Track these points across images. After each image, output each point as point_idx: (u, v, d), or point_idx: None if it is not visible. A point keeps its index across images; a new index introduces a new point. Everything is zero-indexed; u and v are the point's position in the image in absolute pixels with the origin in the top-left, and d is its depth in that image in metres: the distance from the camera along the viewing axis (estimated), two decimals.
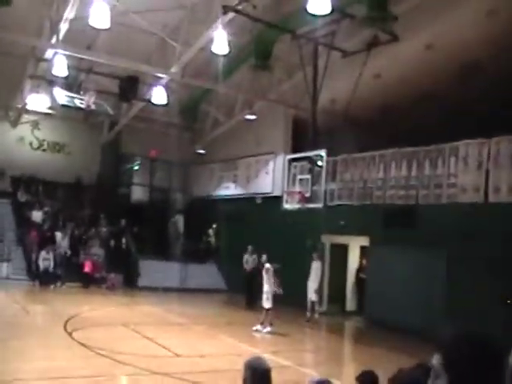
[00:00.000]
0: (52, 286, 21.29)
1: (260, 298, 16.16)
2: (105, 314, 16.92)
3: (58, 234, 23.75)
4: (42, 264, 21.61)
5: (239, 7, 14.59)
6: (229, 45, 16.30)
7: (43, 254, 21.81)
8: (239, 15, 15.11)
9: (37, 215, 24.58)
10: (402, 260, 17.11)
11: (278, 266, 16.17)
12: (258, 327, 15.51)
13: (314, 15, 13.32)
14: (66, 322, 14.22)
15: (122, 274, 23.68)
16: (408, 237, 16.67)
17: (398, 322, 16.13)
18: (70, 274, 22.21)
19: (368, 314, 18.70)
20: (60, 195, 26.81)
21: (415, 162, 17.17)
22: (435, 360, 1.99)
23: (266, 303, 15.61)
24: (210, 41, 16.42)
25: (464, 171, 15.58)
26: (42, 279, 21.45)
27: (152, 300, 20.60)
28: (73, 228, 24.80)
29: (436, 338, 1.99)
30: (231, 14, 15.03)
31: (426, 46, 16.39)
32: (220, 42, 16.13)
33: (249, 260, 20.84)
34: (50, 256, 21.94)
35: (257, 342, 14.59)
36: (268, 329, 15.51)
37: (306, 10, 12.91)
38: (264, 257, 16.10)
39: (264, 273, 15.80)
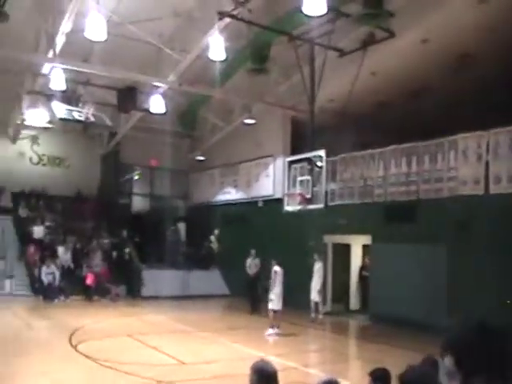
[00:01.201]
0: (56, 300, 21.26)
1: (265, 301, 16.20)
2: (109, 326, 16.96)
3: (60, 248, 23.82)
4: (45, 279, 21.64)
5: (235, 12, 14.69)
6: (225, 50, 16.39)
7: (45, 268, 21.86)
8: (235, 20, 15.22)
9: (38, 230, 24.59)
10: (404, 256, 17.24)
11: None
12: (270, 331, 15.57)
13: (309, 16, 13.44)
14: (71, 335, 14.26)
15: (125, 284, 23.78)
16: (410, 233, 16.80)
17: (402, 317, 16.26)
18: (74, 287, 22.26)
19: (372, 312, 18.82)
20: (61, 209, 26.89)
21: (415, 157, 17.28)
22: (447, 361, 1.99)
23: (275, 305, 15.67)
24: (207, 47, 16.47)
25: (464, 164, 15.72)
26: (46, 294, 21.45)
27: (156, 309, 20.60)
28: (75, 241, 24.86)
29: (445, 337, 2.01)
30: (227, 20, 15.15)
31: (422, 40, 16.52)
32: (216, 47, 16.16)
33: (251, 264, 20.85)
34: (53, 270, 21.97)
35: (262, 345, 14.57)
36: (277, 330, 15.59)
37: (301, 10, 13.02)
38: (273, 260, 16.16)
39: (273, 275, 15.88)
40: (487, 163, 15.08)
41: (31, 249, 23.20)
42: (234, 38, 17.06)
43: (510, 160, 14.45)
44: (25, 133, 25.94)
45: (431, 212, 16.45)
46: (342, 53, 17.05)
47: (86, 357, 11.80)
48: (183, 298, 23.10)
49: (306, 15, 13.40)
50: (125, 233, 26.13)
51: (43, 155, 27.36)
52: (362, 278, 21.24)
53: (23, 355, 11.90)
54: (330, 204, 18.84)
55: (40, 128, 25.15)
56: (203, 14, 16.29)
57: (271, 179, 23.51)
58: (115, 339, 14.53)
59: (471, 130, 15.44)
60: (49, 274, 21.77)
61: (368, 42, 16.31)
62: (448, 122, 16.06)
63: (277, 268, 15.83)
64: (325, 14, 13.44)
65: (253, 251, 20.79)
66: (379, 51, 16.78)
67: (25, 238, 24.20)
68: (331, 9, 13.54)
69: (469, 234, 15.06)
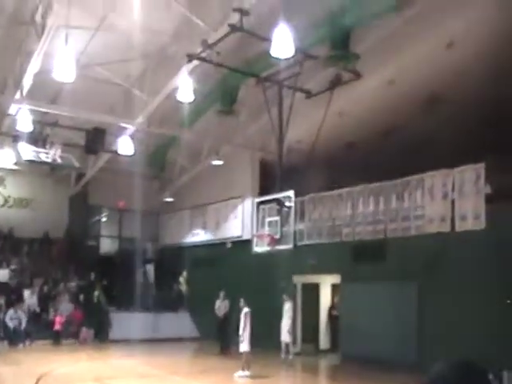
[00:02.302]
0: (21, 345, 20.80)
1: (234, 343, 16.00)
2: (77, 370, 16.55)
3: (26, 292, 23.32)
4: (10, 323, 21.10)
5: (203, 54, 14.86)
6: (194, 92, 16.51)
7: (11, 313, 21.34)
8: (203, 62, 15.39)
9: (3, 274, 24.08)
10: (373, 295, 17.31)
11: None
12: (240, 373, 15.35)
13: (277, 58, 13.65)
14: (38, 381, 13.85)
15: (93, 327, 23.34)
16: (378, 271, 16.89)
17: (372, 355, 16.27)
18: (40, 331, 21.78)
19: (342, 351, 18.77)
20: (27, 251, 26.41)
21: (382, 196, 17.43)
22: None
23: (245, 347, 15.51)
24: (175, 89, 16.61)
25: (430, 202, 15.90)
26: (11, 338, 20.92)
27: (125, 352, 20.30)
28: (41, 284, 24.39)
29: (428, 375, 2.00)
30: (195, 62, 15.30)
31: (389, 82, 16.89)
32: (185, 89, 16.26)
33: (221, 306, 20.67)
34: (19, 315, 21.46)
35: None
36: (246, 372, 15.38)
37: (269, 53, 13.22)
38: (242, 301, 16.03)
39: (243, 317, 15.72)
40: (453, 201, 15.28)
41: None
42: (203, 79, 17.23)
43: (474, 197, 14.67)
44: None
45: (399, 250, 16.56)
46: (309, 94, 17.31)
47: None
48: (152, 340, 22.77)
49: (274, 57, 13.59)
50: (93, 275, 25.73)
51: (9, 197, 26.95)
52: (332, 318, 21.22)
53: None
54: (299, 244, 18.78)
55: (6, 169, 24.86)
56: (171, 56, 16.46)
57: (240, 220, 23.51)
58: None
59: (438, 168, 15.67)
60: (14, 319, 21.24)
61: (335, 84, 16.60)
62: (415, 161, 16.32)
63: (246, 309, 15.72)
64: (293, 57, 13.64)
65: (222, 293, 20.62)
66: (346, 92, 17.08)
67: None
68: (299, 51, 13.77)
69: (437, 271, 15.22)
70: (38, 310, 23.08)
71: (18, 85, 16.87)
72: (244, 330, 15.53)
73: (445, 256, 15.10)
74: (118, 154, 21.34)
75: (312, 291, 21.42)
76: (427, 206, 15.99)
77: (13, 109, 18.22)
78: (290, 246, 16.26)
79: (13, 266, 24.87)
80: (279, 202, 16.50)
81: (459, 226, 14.97)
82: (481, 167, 14.61)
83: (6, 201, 26.91)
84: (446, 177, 15.57)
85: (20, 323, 21.35)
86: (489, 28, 14.55)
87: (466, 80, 16.13)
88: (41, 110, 18.41)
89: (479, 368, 1.98)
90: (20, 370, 16.43)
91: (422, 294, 15.82)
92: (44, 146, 20.56)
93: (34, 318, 22.44)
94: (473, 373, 1.97)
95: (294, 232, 16.96)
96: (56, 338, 21.86)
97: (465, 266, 14.51)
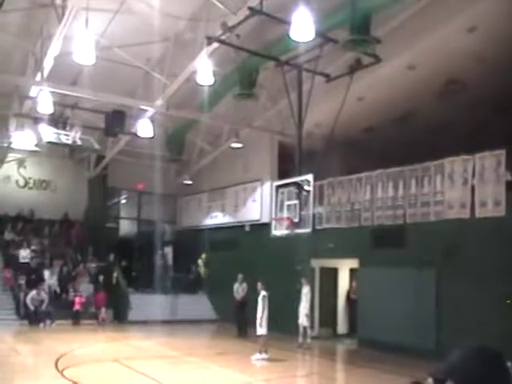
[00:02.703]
0: (42, 325, 21.07)
1: (252, 326, 16.07)
2: (96, 351, 16.79)
3: (46, 273, 23.64)
4: (30, 304, 21.39)
5: (223, 37, 14.80)
6: (213, 75, 16.48)
7: (33, 294, 21.62)
8: (223, 45, 15.34)
9: (24, 254, 24.40)
10: (391, 280, 17.22)
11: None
12: (258, 356, 15.43)
13: (297, 41, 13.56)
14: (57, 360, 14.03)
15: (112, 308, 23.62)
16: (397, 256, 16.81)
17: (390, 341, 16.21)
18: (60, 311, 22.03)
19: (360, 336, 18.76)
20: (47, 232, 26.74)
21: (401, 181, 17.30)
22: None
23: (262, 330, 15.58)
24: (195, 72, 16.58)
25: (450, 188, 15.77)
26: (32, 318, 21.23)
27: (143, 334, 20.50)
28: (61, 265, 24.69)
29: (446, 362, 1.97)
30: (215, 45, 15.26)
31: (408, 66, 16.73)
32: (204, 72, 16.26)
33: (239, 289, 20.75)
34: (42, 296, 21.74)
35: (250, 370, 14.50)
36: (264, 355, 15.47)
37: (289, 36, 13.14)
38: (259, 284, 16.09)
39: (260, 300, 15.79)
40: (473, 187, 15.16)
41: (7, 273, 23.08)
42: (222, 62, 17.18)
43: (495, 184, 14.53)
44: (11, 156, 25.83)
45: (418, 236, 16.46)
46: (329, 78, 17.19)
47: (73, 382, 11.63)
48: (170, 322, 22.97)
49: (293, 41, 13.50)
50: (112, 257, 25.98)
51: (30, 178, 27.25)
52: (350, 302, 21.21)
53: (10, 380, 11.76)
54: (318, 228, 18.76)
55: (27, 151, 25.07)
56: (191, 39, 16.42)
57: (258, 204, 23.51)
58: (102, 364, 14.36)
59: (458, 154, 15.52)
60: (36, 299, 21.52)
61: (355, 68, 16.45)
62: (435, 147, 16.18)
63: (264, 293, 15.77)
64: (312, 40, 13.54)
65: (240, 276, 20.67)
66: (366, 77, 16.94)
67: (10, 261, 23.96)
68: (318, 34, 13.67)
69: (456, 258, 15.11)
70: (57, 290, 23.37)
71: (38, 67, 16.93)
72: (262, 313, 15.62)
73: (464, 242, 14.98)
74: (138, 137, 21.40)
75: (330, 275, 21.40)
76: (447, 192, 15.85)
77: (34, 91, 18.29)
78: (308, 230, 16.28)
79: (33, 247, 25.20)
80: (298, 185, 16.50)
81: (479, 213, 14.84)
82: (502, 154, 14.44)
83: (26, 182, 27.21)
84: (466, 163, 15.41)
85: (41, 304, 21.62)
86: (510, 11, 14.29)
87: (485, 66, 15.93)
88: (61, 92, 18.48)
89: (494, 353, 1.96)
90: (40, 349, 16.74)
91: (441, 280, 15.72)
92: (64, 128, 20.69)
93: (54, 298, 22.72)
94: (488, 359, 1.95)
95: (313, 216, 16.98)
96: (75, 318, 22.15)
97: (484, 253, 14.39)
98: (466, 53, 15.85)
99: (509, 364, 1.92)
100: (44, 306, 21.65)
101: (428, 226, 16.22)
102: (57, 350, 15.67)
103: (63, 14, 14.20)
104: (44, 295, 21.91)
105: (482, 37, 15.25)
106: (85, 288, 23.88)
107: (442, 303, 15.60)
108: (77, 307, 22.42)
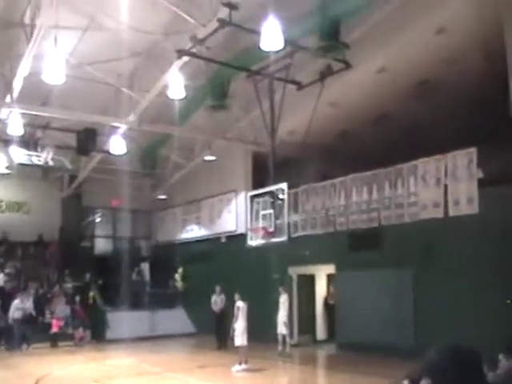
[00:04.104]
0: (19, 350, 20.68)
1: (232, 338, 16.11)
2: (75, 372, 16.57)
3: (16, 301, 23.10)
4: (14, 313, 21.12)
5: (193, 50, 14.89)
6: (185, 88, 16.51)
7: (16, 303, 21.31)
8: (193, 58, 15.41)
9: None
10: (369, 282, 17.43)
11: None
12: (238, 367, 15.48)
13: (267, 51, 13.69)
14: (37, 383, 13.89)
15: (89, 328, 23.39)
16: (373, 259, 17.01)
17: (370, 344, 16.39)
18: (37, 334, 21.64)
19: (339, 341, 18.89)
20: (21, 254, 26.33)
21: (375, 184, 17.51)
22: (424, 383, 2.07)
23: (240, 340, 15.62)
24: (166, 86, 16.61)
25: (423, 189, 16.00)
26: (10, 342, 20.90)
27: (122, 352, 20.25)
28: (37, 287, 24.33)
29: (422, 360, 2.06)
30: (185, 58, 15.31)
31: (379, 70, 17.01)
32: (176, 86, 16.24)
33: (217, 300, 20.78)
34: (25, 305, 21.58)
35: (233, 381, 14.58)
36: (244, 366, 15.50)
37: (259, 46, 13.27)
38: (236, 295, 16.17)
39: (236, 310, 15.85)
40: (446, 186, 15.39)
41: None
42: (193, 75, 17.24)
43: (467, 182, 14.81)
44: None
45: (394, 238, 16.67)
46: (300, 86, 17.38)
47: None
48: (150, 338, 22.89)
49: (263, 50, 13.65)
50: (88, 276, 25.73)
51: (1, 201, 26.89)
52: (328, 307, 21.35)
53: None
54: (293, 236, 18.80)
55: None
56: (161, 53, 16.47)
57: (234, 215, 23.59)
58: None
59: (430, 155, 15.74)
60: (20, 309, 21.26)
61: (325, 74, 16.65)
62: (408, 148, 16.46)
63: (240, 303, 15.83)
64: (282, 49, 13.71)
65: (218, 288, 20.71)
66: (337, 82, 17.11)
67: None
68: (288, 43, 13.84)
69: (432, 257, 15.37)
70: (33, 313, 22.99)
71: (8, 88, 16.80)
72: (238, 323, 15.65)
73: (439, 242, 15.24)
74: (110, 154, 21.24)
75: (308, 282, 21.55)
76: (420, 193, 16.07)
77: (3, 113, 18.11)
78: (284, 239, 16.27)
79: (7, 270, 24.80)
80: (272, 194, 16.56)
81: (453, 211, 15.04)
82: (473, 152, 14.69)
83: None
84: (438, 162, 15.68)
85: (25, 314, 21.29)
86: (478, 13, 14.68)
87: (456, 66, 16.28)
88: (31, 113, 18.34)
89: (470, 350, 2.05)
90: (18, 373, 16.37)
91: (418, 281, 15.95)
92: (36, 149, 20.56)
93: (29, 321, 22.32)
94: (463, 356, 2.04)
95: (288, 224, 16.99)
96: (53, 341, 21.82)
97: (459, 251, 14.65)
98: (436, 54, 16.19)
99: (500, 356, 2.03)
100: (30, 312, 21.51)
101: (403, 227, 16.38)
102: (35, 373, 15.42)
103: (32, 34, 14.15)
104: (28, 304, 21.62)
105: (451, 38, 15.59)
106: (62, 309, 23.53)
107: (420, 302, 15.82)
108: (54, 330, 22.04)
